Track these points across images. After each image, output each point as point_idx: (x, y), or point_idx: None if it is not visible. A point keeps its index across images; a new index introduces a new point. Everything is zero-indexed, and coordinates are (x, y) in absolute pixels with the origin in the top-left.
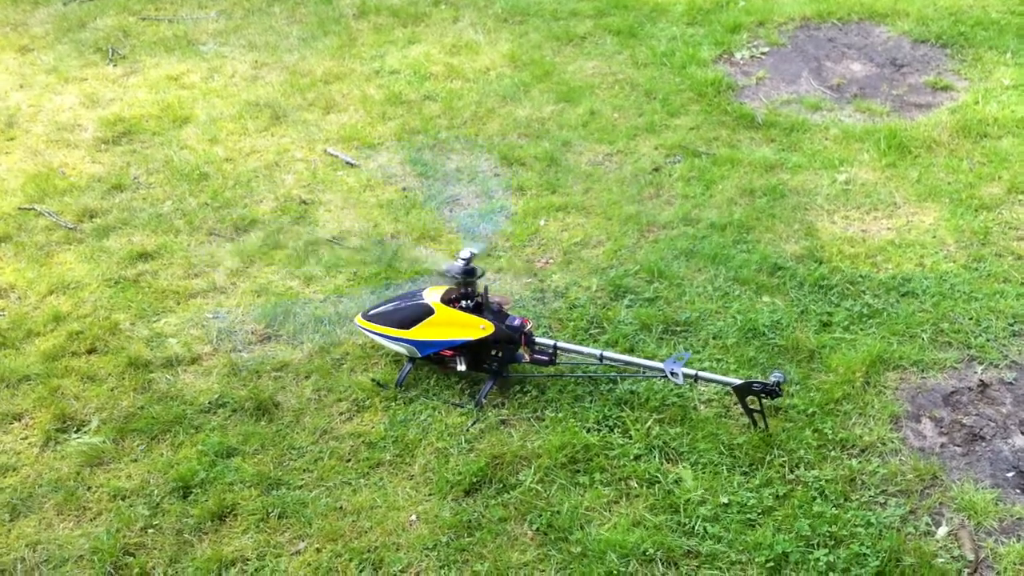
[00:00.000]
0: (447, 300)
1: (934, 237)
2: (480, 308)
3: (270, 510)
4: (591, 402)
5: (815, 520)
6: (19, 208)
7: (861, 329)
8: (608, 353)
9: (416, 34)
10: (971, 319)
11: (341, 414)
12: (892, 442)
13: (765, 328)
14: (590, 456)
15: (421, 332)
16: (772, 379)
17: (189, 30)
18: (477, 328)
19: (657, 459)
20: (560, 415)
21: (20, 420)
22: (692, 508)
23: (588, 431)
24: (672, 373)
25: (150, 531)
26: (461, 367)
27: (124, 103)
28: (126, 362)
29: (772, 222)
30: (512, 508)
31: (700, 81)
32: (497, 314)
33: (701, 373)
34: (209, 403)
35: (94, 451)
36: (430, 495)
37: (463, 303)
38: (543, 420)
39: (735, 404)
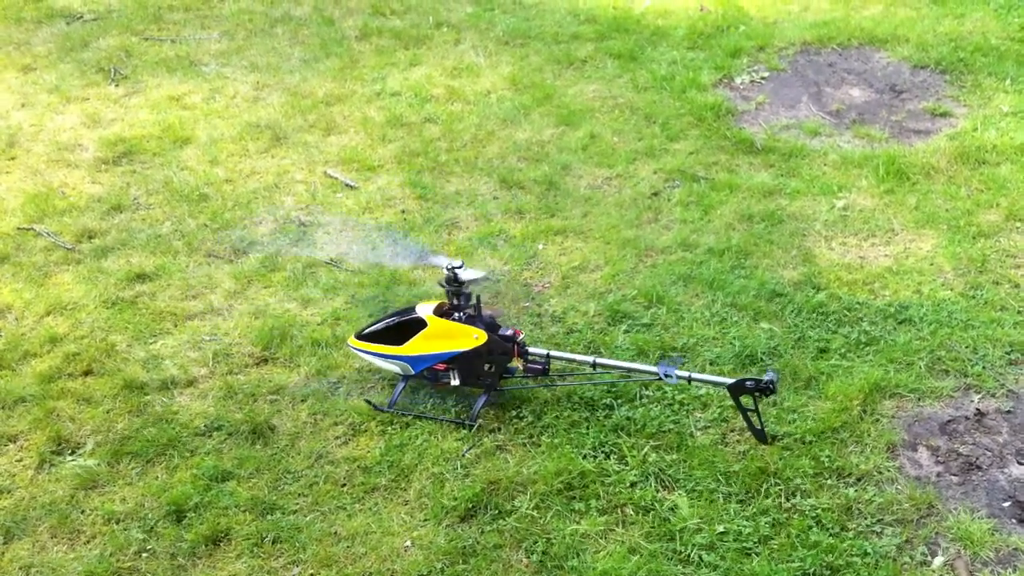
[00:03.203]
0: (440, 313)
1: (932, 264)
2: (473, 320)
3: (264, 535)
4: (587, 428)
5: (811, 550)
6: (18, 228)
7: (858, 356)
8: (601, 359)
9: (417, 56)
10: (968, 347)
11: (337, 438)
12: (888, 471)
13: (762, 354)
14: (586, 482)
15: (415, 347)
16: (766, 377)
17: (191, 51)
18: (470, 338)
19: (653, 486)
20: (556, 440)
21: (15, 442)
22: (688, 536)
23: (584, 457)
24: (666, 375)
25: (144, 555)
26: (455, 381)
27: (125, 123)
28: (122, 384)
29: (770, 248)
30: (507, 535)
31: (700, 105)
32: (490, 325)
33: (694, 375)
34: (204, 426)
35: (89, 474)
36: (425, 521)
37: (456, 315)
38: (539, 445)
39: (732, 431)
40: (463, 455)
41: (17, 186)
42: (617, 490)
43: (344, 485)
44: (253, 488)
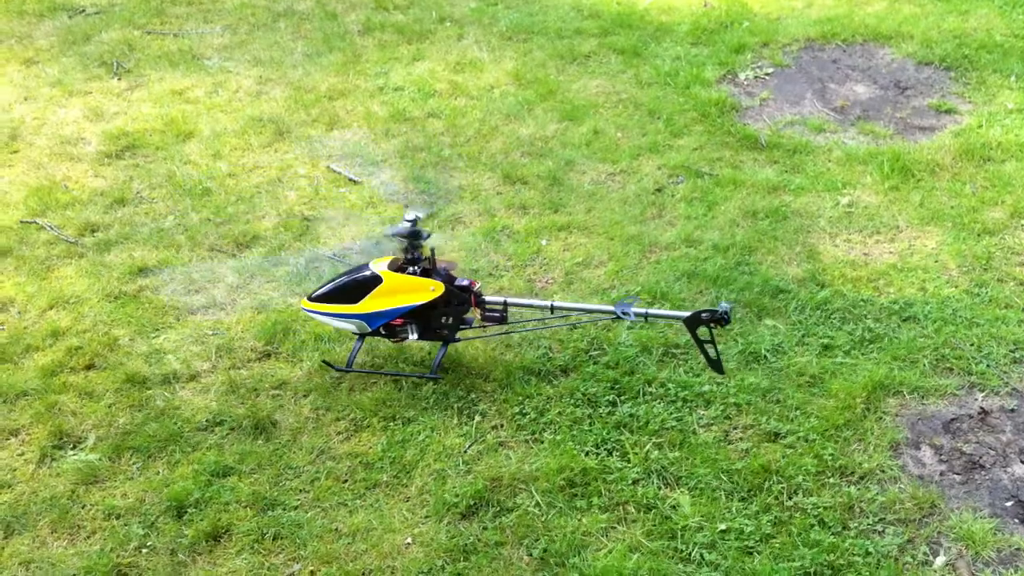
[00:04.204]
0: (395, 268)
1: (936, 262)
2: (429, 273)
3: (265, 531)
4: (590, 425)
5: (813, 548)
6: (21, 221)
7: (862, 354)
8: (559, 303)
9: (421, 51)
10: (972, 345)
11: (339, 433)
12: (891, 469)
13: (766, 351)
14: (588, 480)
15: (370, 304)
16: (721, 307)
17: (194, 45)
18: (427, 290)
19: (655, 484)
20: (558, 437)
21: (17, 436)
22: (689, 534)
23: (586, 454)
24: (624, 313)
25: (144, 551)
26: (412, 336)
27: (128, 117)
28: (124, 378)
29: (774, 244)
30: (509, 532)
31: (704, 101)
32: (446, 277)
33: (651, 311)
34: (206, 421)
35: (90, 468)
36: (426, 517)
37: (411, 269)
38: (541, 442)
39: (734, 428)
40: (465, 451)
41: (20, 179)
42: (619, 487)
43: (346, 481)
44: (254, 484)
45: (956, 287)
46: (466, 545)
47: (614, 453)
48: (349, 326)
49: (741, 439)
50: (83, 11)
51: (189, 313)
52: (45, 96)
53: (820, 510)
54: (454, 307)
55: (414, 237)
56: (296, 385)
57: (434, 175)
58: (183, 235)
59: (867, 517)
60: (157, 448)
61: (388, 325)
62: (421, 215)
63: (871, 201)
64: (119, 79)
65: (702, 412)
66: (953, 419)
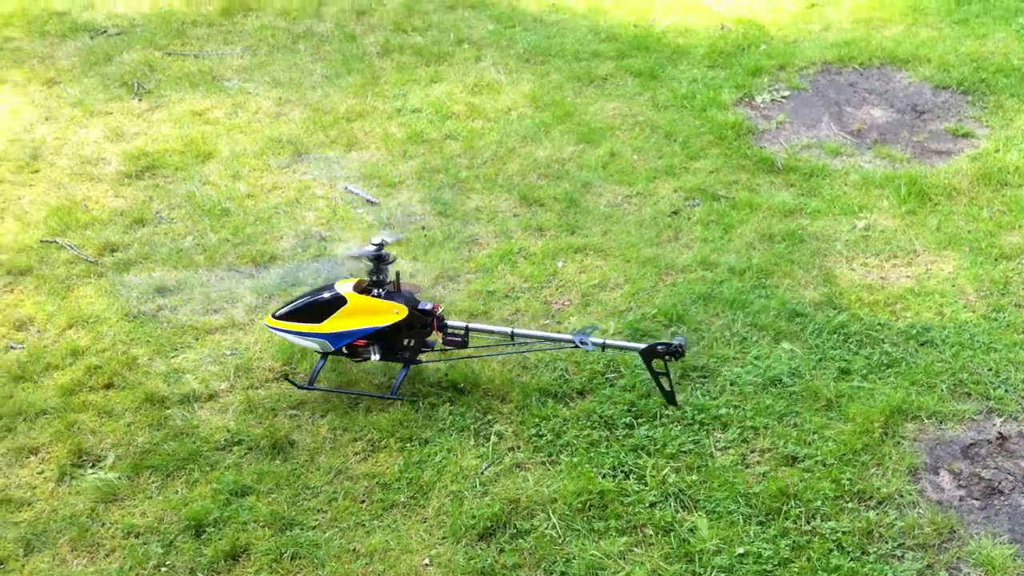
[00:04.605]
0: (360, 289)
1: (953, 286)
2: (393, 295)
3: (283, 551)
4: (607, 447)
5: (832, 573)
6: (41, 241)
7: (880, 378)
8: (519, 330)
9: (438, 73)
10: (990, 370)
11: (356, 454)
12: (910, 494)
13: (783, 375)
14: (605, 502)
15: (334, 324)
16: (676, 341)
17: (214, 66)
18: (391, 313)
19: (673, 507)
20: (575, 459)
21: (36, 454)
22: (707, 558)
23: (604, 477)
24: (582, 343)
25: (163, 569)
26: (375, 357)
27: (148, 137)
28: (143, 397)
29: (791, 268)
30: (527, 554)
31: (720, 124)
32: (409, 300)
33: (608, 341)
34: (225, 440)
35: (109, 487)
36: (444, 539)
37: (376, 291)
38: (558, 464)
39: (752, 452)
40: (482, 473)
41: (41, 199)
42: (637, 510)
43: (363, 501)
44: (272, 503)
45: (974, 312)
46: (483, 567)
47: (631, 476)
48: (312, 344)
49: (759, 463)
50: (105, 32)
51: (207, 333)
52: (66, 116)
53: (839, 535)
54: (417, 330)
55: (378, 260)
56: (313, 406)
57: (451, 196)
58: (202, 255)
59: (886, 542)
60: (176, 467)
61: (351, 345)
62: (388, 239)
63: (888, 225)
64: (140, 100)
65: (719, 435)
66: (971, 444)
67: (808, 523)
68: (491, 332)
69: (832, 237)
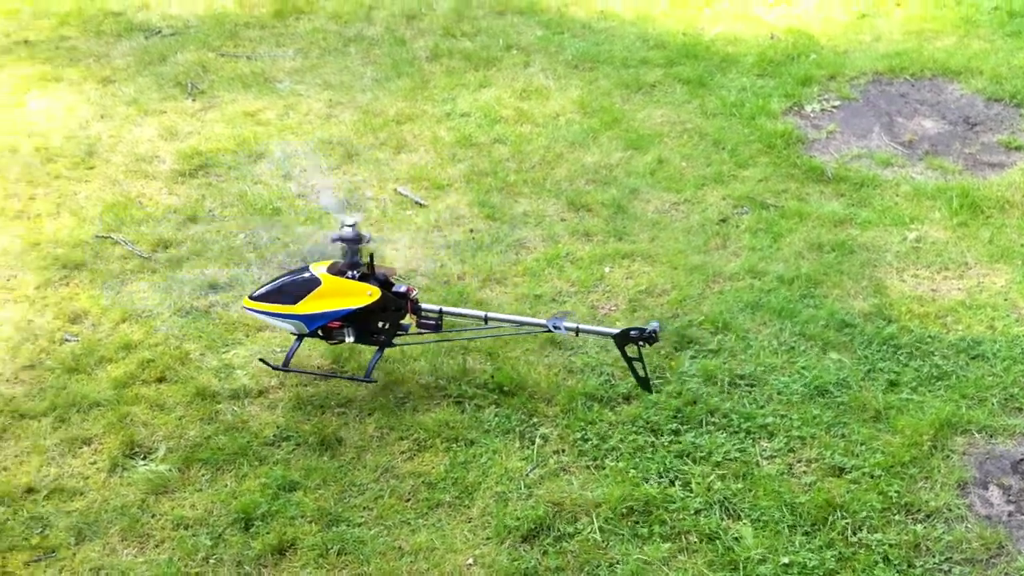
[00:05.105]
0: (334, 271)
1: (1005, 300)
2: (367, 277)
3: (329, 546)
4: (652, 452)
5: None
6: (96, 236)
7: (929, 391)
8: (493, 314)
9: (487, 78)
10: None
11: (402, 452)
12: (958, 508)
13: (831, 386)
14: (650, 508)
15: (308, 306)
16: (649, 326)
17: (266, 67)
18: (364, 295)
19: (718, 514)
20: (620, 464)
21: (89, 445)
22: (752, 567)
23: (648, 482)
24: (555, 327)
25: (211, 561)
26: (349, 339)
27: (201, 137)
28: (194, 392)
29: (840, 278)
30: (570, 557)
31: (769, 133)
32: (383, 282)
33: (581, 326)
34: (274, 436)
35: (160, 479)
36: (488, 539)
37: (350, 273)
38: (603, 469)
39: (799, 461)
40: (527, 475)
41: (96, 195)
42: (681, 517)
43: (408, 500)
44: (319, 499)
45: None
46: (527, 569)
47: (676, 482)
48: (287, 326)
49: (805, 472)
50: (159, 32)
51: (258, 330)
52: (121, 114)
53: (885, 547)
54: (391, 313)
55: (355, 241)
56: (361, 404)
57: (499, 200)
58: (253, 253)
59: (933, 556)
60: (226, 461)
61: (325, 327)
62: (359, 219)
63: (939, 237)
64: (193, 99)
65: (765, 444)
66: (1022, 459)
67: (854, 534)
68: (465, 316)
69: (882, 248)
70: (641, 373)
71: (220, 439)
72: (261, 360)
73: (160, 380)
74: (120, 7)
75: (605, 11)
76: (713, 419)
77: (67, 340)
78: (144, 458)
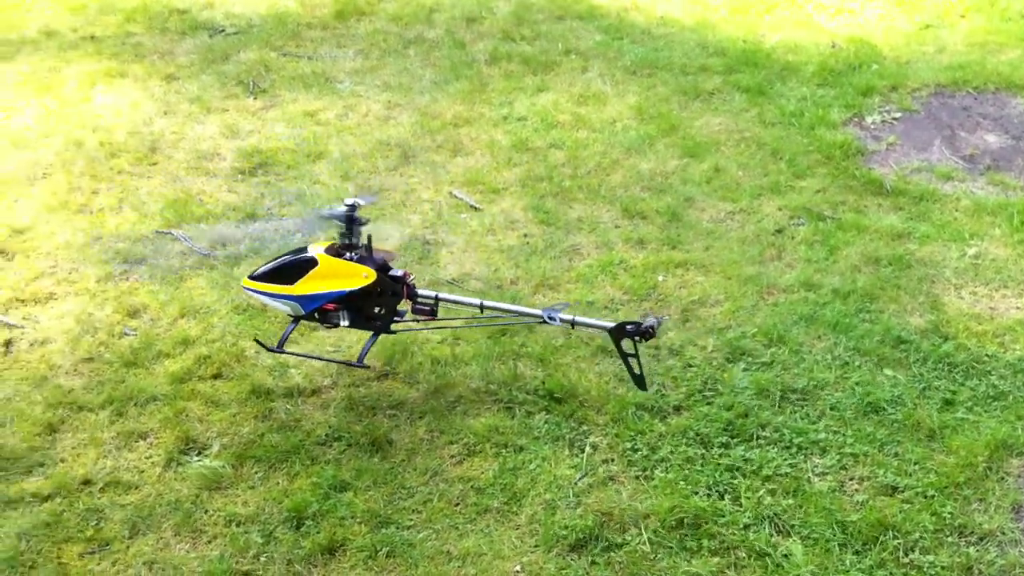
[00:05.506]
0: (332, 252)
1: None
2: (364, 260)
3: (379, 548)
4: (702, 465)
5: None
6: (156, 232)
7: (985, 411)
8: (488, 302)
9: (545, 82)
10: None
11: (452, 456)
12: (1012, 532)
13: (885, 403)
14: (699, 521)
15: (305, 286)
16: (648, 321)
17: (327, 68)
18: (359, 277)
19: (767, 530)
20: (670, 476)
21: (145, 439)
22: None
23: (698, 495)
24: (550, 318)
25: (262, 559)
26: (344, 322)
27: (262, 136)
28: (249, 389)
29: (897, 293)
30: (618, 568)
31: (828, 143)
32: (381, 266)
33: (578, 318)
34: (326, 436)
35: (214, 475)
36: (536, 547)
37: (348, 254)
38: (652, 479)
39: (851, 479)
40: (575, 483)
41: (158, 191)
42: (730, 531)
43: (457, 504)
44: (369, 500)
45: None
46: None
47: (726, 496)
48: (284, 307)
49: (857, 490)
50: (223, 31)
51: (312, 330)
52: (184, 112)
53: (937, 569)
54: (388, 297)
55: (349, 222)
56: (412, 406)
57: (554, 205)
58: None
59: None
60: (278, 459)
61: (322, 310)
62: (362, 202)
63: (999, 254)
64: (255, 98)
65: (817, 460)
66: None
67: (906, 555)
68: (460, 303)
69: (940, 263)
70: (636, 370)
71: (273, 437)
72: (256, 340)
73: (216, 376)
74: (185, 5)
75: (665, 17)
76: (764, 433)
77: (126, 334)
78: (198, 454)
